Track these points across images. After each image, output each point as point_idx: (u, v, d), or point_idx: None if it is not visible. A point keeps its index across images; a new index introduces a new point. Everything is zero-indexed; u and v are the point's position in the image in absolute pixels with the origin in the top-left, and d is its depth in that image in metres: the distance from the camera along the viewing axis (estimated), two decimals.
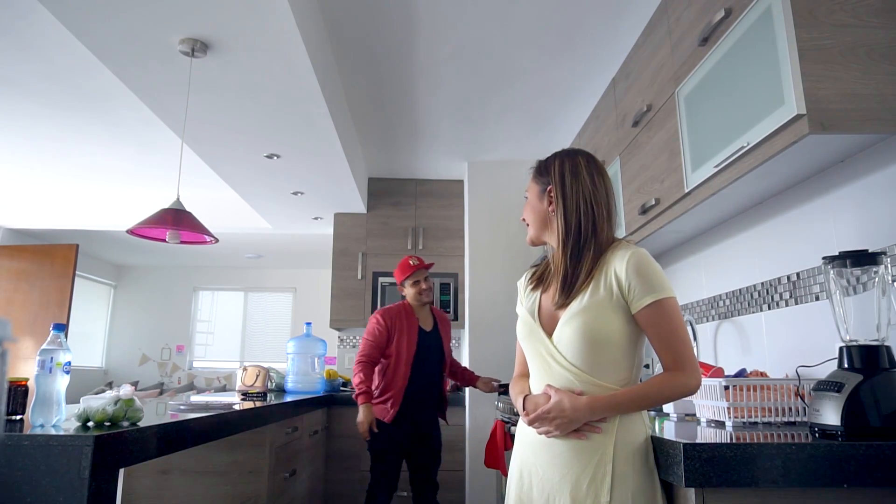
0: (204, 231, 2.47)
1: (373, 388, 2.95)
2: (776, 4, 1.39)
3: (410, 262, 3.03)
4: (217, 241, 2.61)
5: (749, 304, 2.03)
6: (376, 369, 2.98)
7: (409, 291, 3.05)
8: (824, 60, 1.34)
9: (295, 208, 4.54)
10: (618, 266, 1.24)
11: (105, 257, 7.04)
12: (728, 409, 1.43)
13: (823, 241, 1.66)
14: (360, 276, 4.42)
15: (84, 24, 2.12)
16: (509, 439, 2.42)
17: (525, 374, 1.42)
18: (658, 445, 1.20)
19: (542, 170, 1.40)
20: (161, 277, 7.60)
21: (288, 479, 2.70)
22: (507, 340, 3.75)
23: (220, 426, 1.87)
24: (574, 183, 1.33)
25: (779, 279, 1.86)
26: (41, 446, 1.19)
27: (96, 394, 1.84)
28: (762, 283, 1.95)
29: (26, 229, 5.34)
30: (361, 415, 2.83)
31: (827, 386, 1.21)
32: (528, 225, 1.42)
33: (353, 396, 2.88)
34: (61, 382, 1.40)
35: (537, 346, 1.32)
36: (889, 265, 1.26)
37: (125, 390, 1.51)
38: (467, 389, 3.76)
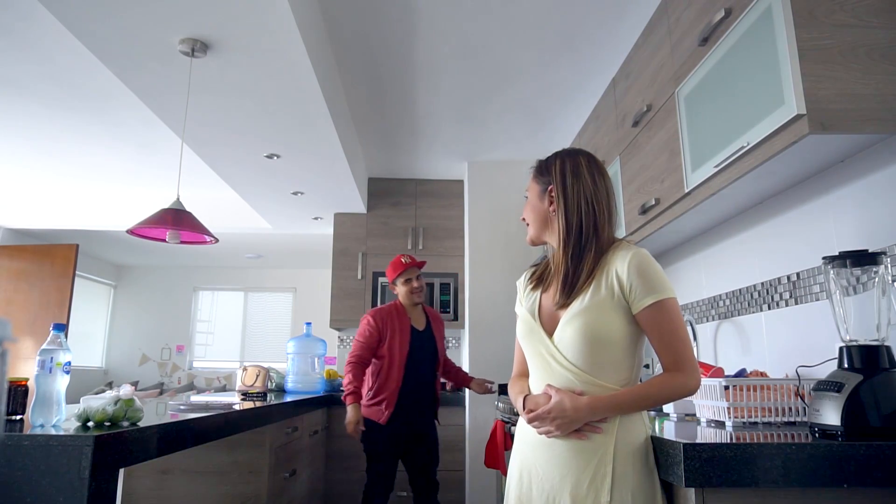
0: (204, 231, 2.47)
1: (366, 389, 2.94)
2: (776, 4, 1.39)
3: (402, 260, 3.00)
4: (217, 241, 2.61)
5: (749, 304, 2.03)
6: (369, 371, 2.96)
7: (400, 290, 3.02)
8: (824, 60, 1.34)
9: (295, 208, 4.54)
10: (619, 266, 1.24)
11: (105, 257, 7.04)
12: (728, 409, 1.43)
13: (823, 241, 1.66)
14: (360, 276, 4.42)
15: (84, 24, 2.12)
16: (509, 439, 2.42)
17: (524, 374, 1.42)
18: (658, 445, 1.20)
19: (543, 169, 1.40)
20: (161, 277, 7.60)
21: (288, 479, 2.71)
22: (507, 340, 3.75)
23: (220, 426, 1.87)
24: (575, 183, 1.33)
25: (779, 279, 1.86)
26: (41, 446, 1.19)
27: (96, 394, 1.84)
28: (762, 283, 1.95)
29: (26, 229, 5.34)
30: (349, 415, 2.82)
31: (827, 386, 1.21)
32: (528, 225, 1.42)
33: (342, 397, 2.87)
34: (61, 382, 1.40)
35: (537, 346, 1.32)
36: (889, 265, 1.26)
37: (125, 390, 1.51)
38: (467, 389, 3.76)
